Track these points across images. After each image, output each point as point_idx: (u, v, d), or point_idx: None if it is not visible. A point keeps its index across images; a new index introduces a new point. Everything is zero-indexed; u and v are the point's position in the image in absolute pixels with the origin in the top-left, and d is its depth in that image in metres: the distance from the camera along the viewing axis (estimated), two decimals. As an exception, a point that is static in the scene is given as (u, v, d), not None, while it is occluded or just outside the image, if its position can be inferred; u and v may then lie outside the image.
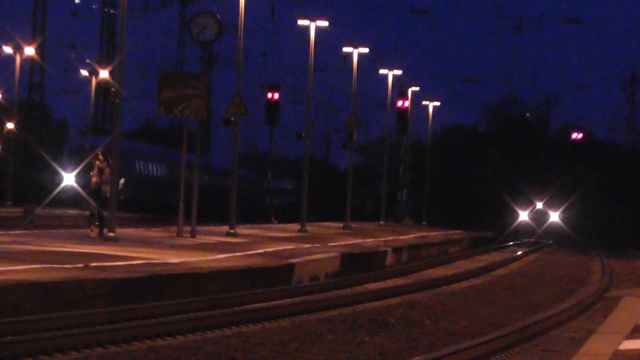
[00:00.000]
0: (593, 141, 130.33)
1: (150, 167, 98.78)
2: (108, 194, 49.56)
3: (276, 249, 49.40)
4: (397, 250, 61.10)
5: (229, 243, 52.03)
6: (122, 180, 69.95)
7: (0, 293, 26.90)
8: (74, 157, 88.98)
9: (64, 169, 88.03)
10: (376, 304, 37.28)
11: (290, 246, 51.01)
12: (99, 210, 50.75)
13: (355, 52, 74.58)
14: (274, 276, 39.92)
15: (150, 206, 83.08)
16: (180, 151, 58.19)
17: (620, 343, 19.50)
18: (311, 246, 53.03)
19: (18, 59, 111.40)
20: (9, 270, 29.91)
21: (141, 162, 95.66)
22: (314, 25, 74.29)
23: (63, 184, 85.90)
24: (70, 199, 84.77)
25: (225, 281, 36.94)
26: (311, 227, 68.77)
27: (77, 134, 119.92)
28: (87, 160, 63.09)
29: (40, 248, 38.77)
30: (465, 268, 60.53)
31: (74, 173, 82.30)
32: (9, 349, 19.46)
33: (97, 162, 48.27)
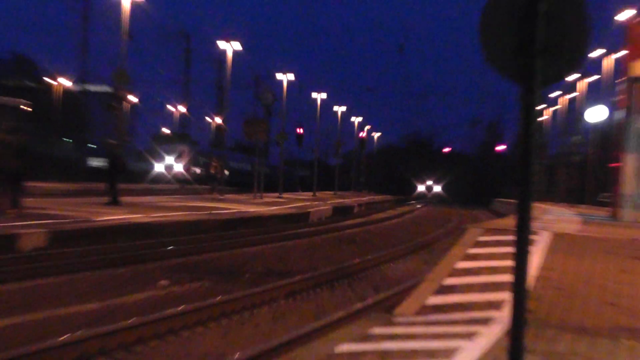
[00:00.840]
0: (457, 152, 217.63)
1: (239, 165, 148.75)
2: (219, 177, 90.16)
3: (301, 204, 73.69)
4: (360, 205, 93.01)
5: (278, 202, 77.89)
6: (226, 172, 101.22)
7: (168, 225, 42.44)
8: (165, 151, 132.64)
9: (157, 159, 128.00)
10: (349, 231, 54.28)
11: (307, 203, 77.25)
12: (214, 185, 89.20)
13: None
14: (300, 218, 59.50)
15: (239, 185, 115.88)
16: (254, 156, 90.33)
17: (467, 249, 26.96)
18: (318, 203, 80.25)
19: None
20: (170, 215, 46.21)
21: (235, 162, 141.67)
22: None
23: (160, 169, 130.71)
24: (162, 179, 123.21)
25: (276, 220, 55.30)
26: (318, 194, 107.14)
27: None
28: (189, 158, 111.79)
29: (184, 204, 57.75)
30: (391, 214, 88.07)
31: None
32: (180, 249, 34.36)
33: (214, 163, 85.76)
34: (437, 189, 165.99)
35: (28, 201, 42.21)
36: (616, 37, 54.20)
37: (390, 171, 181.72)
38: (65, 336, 16.29)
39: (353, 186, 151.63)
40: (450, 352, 13.23)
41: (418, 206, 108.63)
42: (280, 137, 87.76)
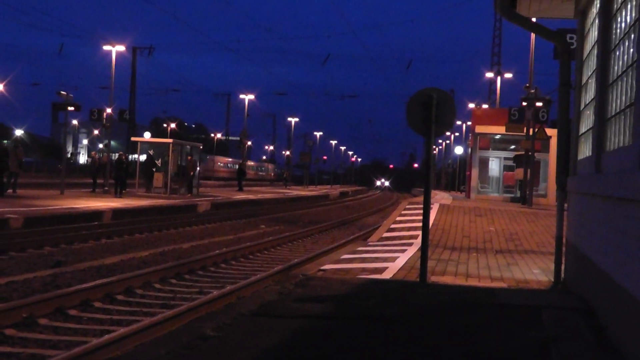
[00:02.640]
0: (397, 166, 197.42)
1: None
2: (288, 178, 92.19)
3: (324, 191, 71.17)
4: (351, 191, 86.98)
5: (315, 190, 74.59)
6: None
7: (264, 200, 44.14)
8: None
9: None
10: (347, 203, 59.06)
11: (326, 190, 74.64)
12: (285, 182, 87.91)
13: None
14: (323, 197, 62.41)
15: (299, 182, 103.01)
16: (305, 169, 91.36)
17: (401, 211, 27.24)
18: (332, 190, 76.87)
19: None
20: (265, 195, 48.76)
21: (297, 172, 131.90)
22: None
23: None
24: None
25: (314, 198, 58.33)
26: (332, 186, 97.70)
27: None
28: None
29: (273, 190, 65.45)
30: (365, 196, 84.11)
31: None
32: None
33: (286, 171, 73.48)
34: (387, 183, 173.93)
35: (201, 189, 47.29)
36: (467, 115, 53.94)
37: (364, 174, 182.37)
38: (216, 251, 18.48)
39: (349, 182, 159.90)
40: (394, 258, 14.73)
41: (377, 192, 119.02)
42: (308, 158, 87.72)
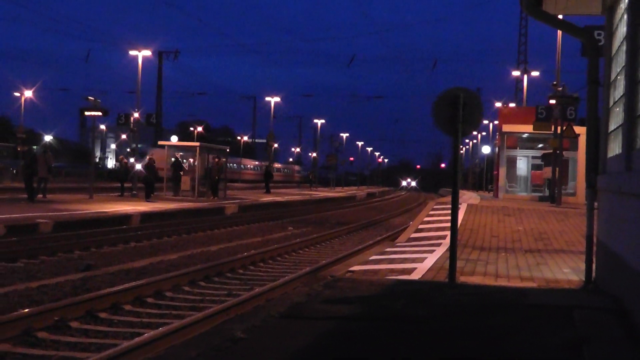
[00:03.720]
0: (423, 167, 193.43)
1: (325, 174, 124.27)
2: (314, 180, 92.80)
3: (351, 193, 70.58)
4: (378, 192, 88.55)
5: (341, 191, 74.16)
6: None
7: (291, 202, 44.06)
8: None
9: None
10: (374, 204, 58.29)
11: (354, 192, 74.14)
12: (312, 183, 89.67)
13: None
14: (350, 199, 62.50)
15: (326, 183, 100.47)
16: (333, 171, 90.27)
17: (428, 211, 27.15)
18: (359, 191, 77.87)
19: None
20: (292, 197, 49.48)
21: (323, 173, 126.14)
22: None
23: None
24: None
25: (341, 199, 59.70)
26: (360, 188, 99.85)
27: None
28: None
29: (299, 192, 65.61)
30: (392, 196, 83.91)
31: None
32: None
33: (311, 173, 72.81)
34: (413, 183, 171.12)
35: (229, 192, 47.72)
36: (494, 114, 67.80)
37: (390, 175, 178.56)
38: (244, 253, 18.54)
39: (376, 183, 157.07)
40: (422, 258, 14.60)
41: (403, 193, 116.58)
42: (335, 159, 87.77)
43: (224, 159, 43.37)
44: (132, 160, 39.63)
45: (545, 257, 15.03)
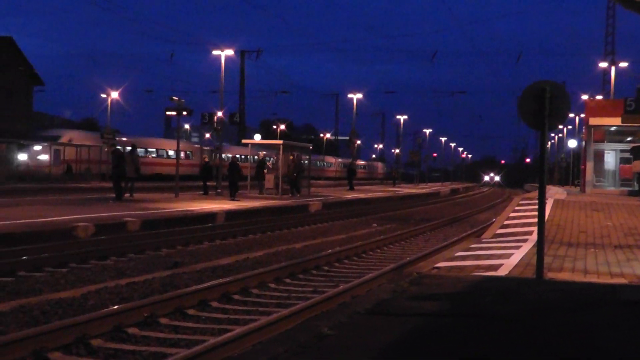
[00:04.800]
0: (508, 162, 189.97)
1: (408, 171, 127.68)
2: (398, 177, 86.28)
3: (435, 189, 72.52)
4: (461, 188, 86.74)
5: (424, 187, 74.96)
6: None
7: (374, 199, 43.47)
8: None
9: None
10: (457, 200, 59.12)
11: (437, 188, 75.82)
12: (395, 180, 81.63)
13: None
14: (434, 195, 61.06)
15: (410, 180, 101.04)
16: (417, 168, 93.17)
17: (514, 207, 27.15)
18: (442, 187, 79.09)
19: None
20: (375, 194, 48.46)
21: (405, 170, 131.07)
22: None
23: None
24: None
25: (424, 196, 56.72)
26: (442, 184, 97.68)
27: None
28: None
29: (382, 189, 66.02)
30: (476, 192, 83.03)
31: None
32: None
33: (394, 170, 73.62)
34: (497, 178, 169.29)
35: (313, 190, 48.18)
36: (580, 107, 66.24)
37: (474, 171, 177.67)
38: (329, 250, 18.45)
39: (460, 179, 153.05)
40: (508, 255, 14.42)
41: (484, 189, 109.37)
42: (418, 156, 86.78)
43: (299, 155, 42.52)
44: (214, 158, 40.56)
45: (636, 253, 14.78)
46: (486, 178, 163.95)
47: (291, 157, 41.25)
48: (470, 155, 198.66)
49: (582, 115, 57.11)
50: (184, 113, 34.63)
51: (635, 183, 40.05)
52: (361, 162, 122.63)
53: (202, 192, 38.18)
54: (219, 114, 41.39)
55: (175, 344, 8.88)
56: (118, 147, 34.98)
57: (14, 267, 13.79)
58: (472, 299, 9.23)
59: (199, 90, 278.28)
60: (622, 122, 36.76)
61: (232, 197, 34.83)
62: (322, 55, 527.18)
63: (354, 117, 71.94)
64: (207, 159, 42.95)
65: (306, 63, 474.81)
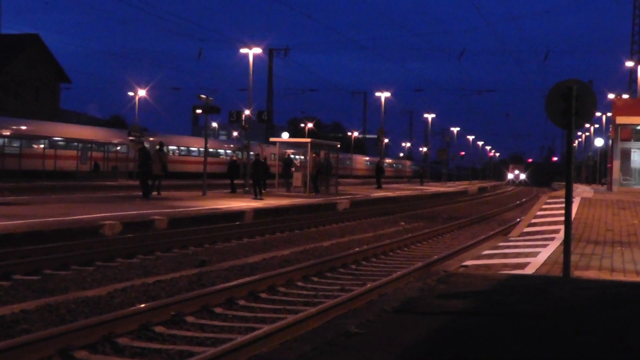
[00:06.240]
0: (535, 160, 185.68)
1: (436, 169, 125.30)
2: (425, 175, 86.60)
3: (462, 187, 69.86)
4: (490, 186, 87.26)
5: (452, 186, 73.97)
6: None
7: (402, 197, 43.29)
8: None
9: None
10: (485, 198, 58.31)
11: (465, 186, 73.34)
12: (422, 179, 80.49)
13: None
14: (461, 193, 61.60)
15: (437, 179, 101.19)
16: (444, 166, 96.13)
17: (541, 205, 26.69)
18: (470, 186, 75.60)
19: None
20: (403, 192, 48.56)
21: (433, 168, 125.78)
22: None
23: None
24: None
25: (452, 194, 56.65)
26: (471, 182, 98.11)
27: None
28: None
29: (411, 187, 64.11)
30: (503, 190, 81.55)
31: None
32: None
33: (422, 168, 73.11)
34: (522, 176, 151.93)
35: (341, 188, 47.53)
36: (607, 106, 65.42)
37: (501, 169, 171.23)
38: (356, 248, 18.47)
39: (488, 177, 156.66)
40: (535, 253, 14.46)
41: (509, 187, 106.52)
42: (446, 154, 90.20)
43: (325, 154, 42.15)
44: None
45: (664, 251, 16.74)
46: (510, 176, 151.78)
47: (313, 156, 40.87)
48: (498, 154, 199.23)
49: (609, 114, 57.13)
50: (212, 111, 34.14)
51: (663, 181, 43.85)
52: (389, 161, 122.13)
53: (229, 191, 37.79)
54: (247, 112, 41.41)
55: (202, 342, 8.83)
56: (145, 144, 35.44)
57: (40, 265, 13.82)
58: (499, 297, 9.22)
59: (227, 88, 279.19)
60: (650, 120, 39.01)
61: (255, 196, 33.43)
62: (350, 53, 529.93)
63: (382, 115, 72.04)
64: (235, 157, 42.83)
65: (334, 61, 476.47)
